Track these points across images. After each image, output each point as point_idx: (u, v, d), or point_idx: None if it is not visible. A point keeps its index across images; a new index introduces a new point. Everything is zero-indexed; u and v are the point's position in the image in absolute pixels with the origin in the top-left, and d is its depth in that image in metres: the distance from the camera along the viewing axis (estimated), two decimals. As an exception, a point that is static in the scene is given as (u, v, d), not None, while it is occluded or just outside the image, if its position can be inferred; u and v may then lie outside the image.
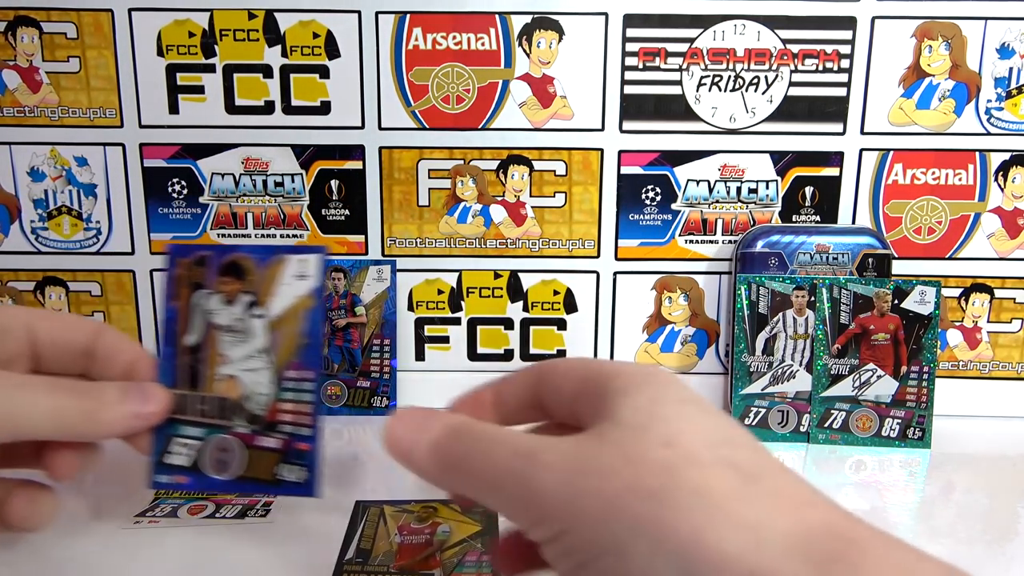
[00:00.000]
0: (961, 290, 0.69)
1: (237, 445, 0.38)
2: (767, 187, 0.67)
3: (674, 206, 0.67)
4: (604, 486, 0.24)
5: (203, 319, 0.39)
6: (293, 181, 0.67)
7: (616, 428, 0.26)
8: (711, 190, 0.67)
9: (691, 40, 0.65)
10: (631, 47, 0.65)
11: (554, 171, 0.67)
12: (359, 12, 0.64)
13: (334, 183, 0.67)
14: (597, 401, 0.28)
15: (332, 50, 0.65)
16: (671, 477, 0.23)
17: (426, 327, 0.70)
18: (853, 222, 0.68)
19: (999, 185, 0.67)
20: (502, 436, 0.28)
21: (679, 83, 0.65)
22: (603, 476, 0.24)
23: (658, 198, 0.67)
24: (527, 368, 0.33)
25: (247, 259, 0.39)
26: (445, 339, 0.70)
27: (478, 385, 0.34)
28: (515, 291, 0.69)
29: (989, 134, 0.66)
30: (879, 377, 0.62)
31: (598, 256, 0.68)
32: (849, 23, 0.64)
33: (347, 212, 0.68)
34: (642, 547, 0.22)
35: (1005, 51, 0.65)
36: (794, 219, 0.68)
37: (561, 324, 0.69)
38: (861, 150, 0.67)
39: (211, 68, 0.65)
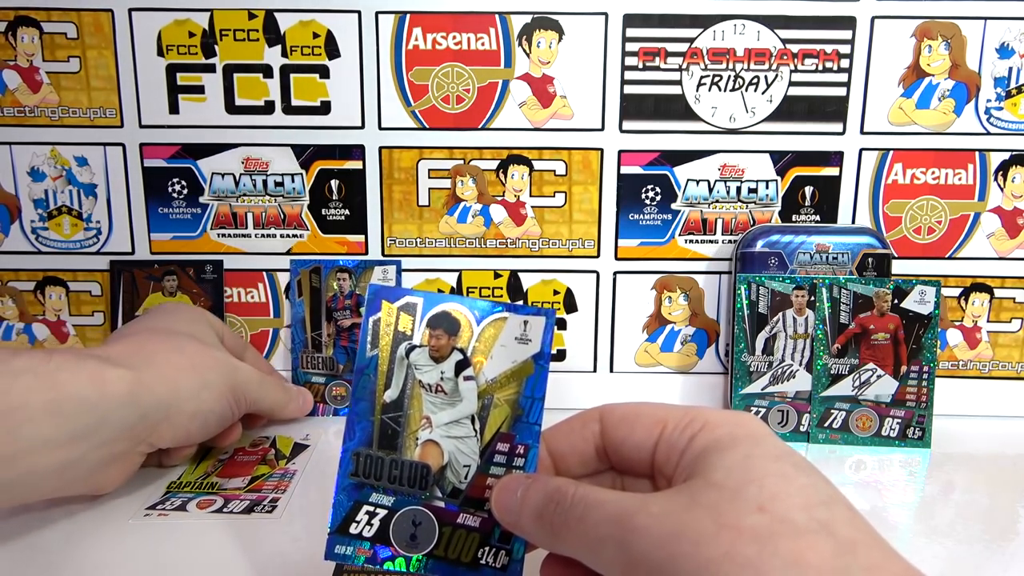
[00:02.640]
0: (961, 290, 0.69)
1: (432, 519, 0.34)
2: (767, 187, 0.67)
3: (674, 206, 0.67)
4: (699, 552, 0.24)
5: (406, 375, 0.35)
6: (293, 181, 0.67)
7: (709, 489, 0.25)
8: (711, 190, 0.67)
9: (691, 40, 0.65)
10: (631, 47, 0.65)
11: (554, 171, 0.67)
12: (359, 12, 0.64)
13: (334, 183, 0.67)
14: (685, 454, 0.28)
15: (332, 50, 0.65)
16: (766, 545, 0.23)
17: (426, 327, 0.70)
18: (853, 222, 0.68)
19: (999, 185, 0.67)
20: (597, 500, 0.28)
21: (679, 83, 0.65)
22: (698, 542, 0.24)
23: (658, 198, 0.67)
24: (582, 417, 0.33)
25: (462, 312, 0.35)
26: (445, 339, 0.70)
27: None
28: (515, 291, 0.69)
29: (989, 134, 0.66)
30: (879, 377, 0.62)
31: (598, 256, 0.68)
32: (849, 23, 0.64)
33: (347, 212, 0.68)
34: None
35: (1005, 51, 0.65)
36: (794, 219, 0.68)
37: (561, 324, 0.69)
38: (861, 150, 0.67)
39: (211, 68, 0.65)
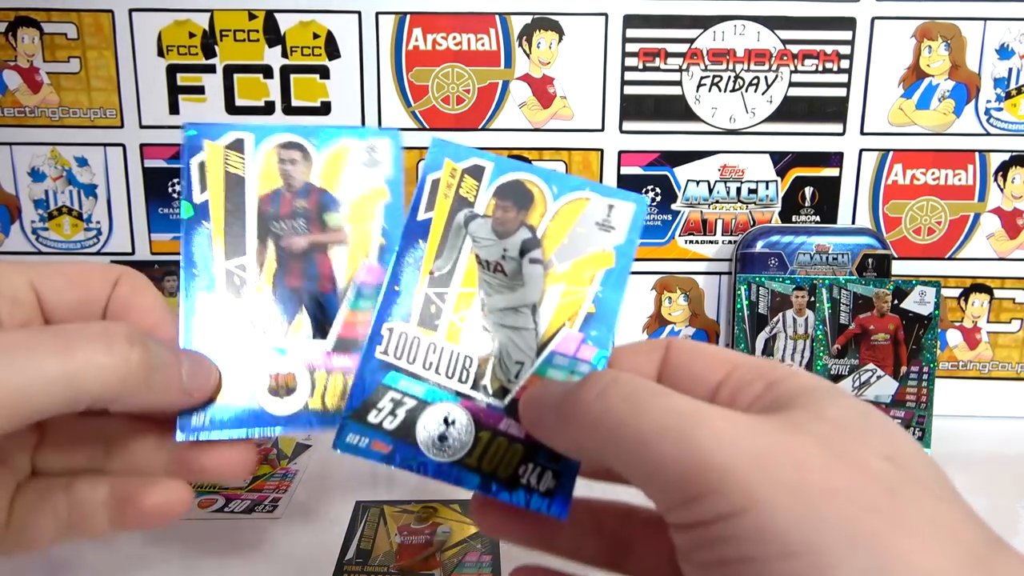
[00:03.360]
0: (961, 290, 0.69)
1: (469, 420, 0.28)
2: (767, 187, 0.67)
3: (674, 206, 0.67)
4: (804, 479, 0.20)
5: (462, 246, 0.29)
6: (293, 181, 0.67)
7: (823, 423, 0.22)
8: (711, 190, 0.67)
9: (691, 41, 0.65)
10: (631, 47, 0.65)
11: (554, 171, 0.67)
12: (359, 13, 0.64)
13: (334, 183, 0.67)
14: (763, 398, 0.24)
15: (332, 50, 0.65)
16: (900, 495, 0.20)
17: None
18: (853, 222, 0.68)
19: (999, 185, 0.67)
20: (661, 387, 0.23)
21: (679, 83, 0.65)
22: (802, 467, 0.20)
23: (658, 198, 0.67)
24: (650, 342, 0.28)
25: (537, 185, 0.29)
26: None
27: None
28: (515, 291, 0.69)
29: (989, 134, 0.66)
30: (879, 377, 0.62)
31: (598, 256, 0.68)
32: (849, 23, 0.64)
33: (347, 212, 0.68)
34: (859, 562, 0.19)
35: (1004, 51, 0.65)
36: (794, 219, 0.68)
37: (561, 324, 0.69)
38: (861, 150, 0.67)
39: (211, 68, 0.65)
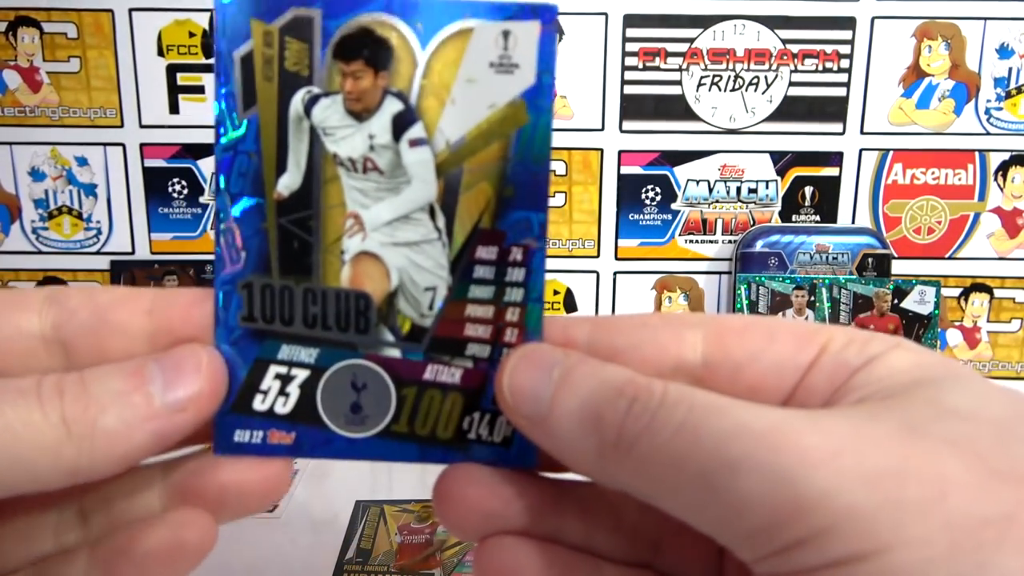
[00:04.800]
0: (961, 290, 0.69)
1: (383, 378, 0.21)
2: (767, 187, 0.67)
3: (674, 206, 0.67)
4: (954, 507, 0.15)
5: (309, 146, 0.21)
6: (293, 181, 0.67)
7: (947, 419, 0.16)
8: (711, 190, 0.67)
9: (691, 40, 0.65)
10: (631, 47, 0.65)
11: (554, 171, 0.67)
12: (359, 12, 0.64)
13: (334, 183, 0.67)
14: (858, 375, 0.18)
15: (332, 50, 0.65)
16: None
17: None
18: (853, 222, 0.68)
19: (999, 185, 0.67)
20: (716, 404, 0.17)
21: (679, 83, 0.65)
22: (949, 492, 0.15)
23: (658, 198, 0.67)
24: (664, 317, 0.21)
25: (394, 27, 0.20)
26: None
27: (566, 317, 0.22)
28: (515, 291, 0.69)
29: (989, 134, 0.66)
30: (879, 377, 0.62)
31: (598, 256, 0.68)
32: (849, 23, 0.64)
33: (347, 212, 0.68)
34: None
35: (1004, 51, 0.65)
36: (794, 219, 0.68)
37: (561, 324, 0.69)
38: (861, 150, 0.67)
39: (211, 68, 0.65)
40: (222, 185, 0.21)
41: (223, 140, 0.20)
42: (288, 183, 0.21)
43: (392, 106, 0.20)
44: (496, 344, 0.21)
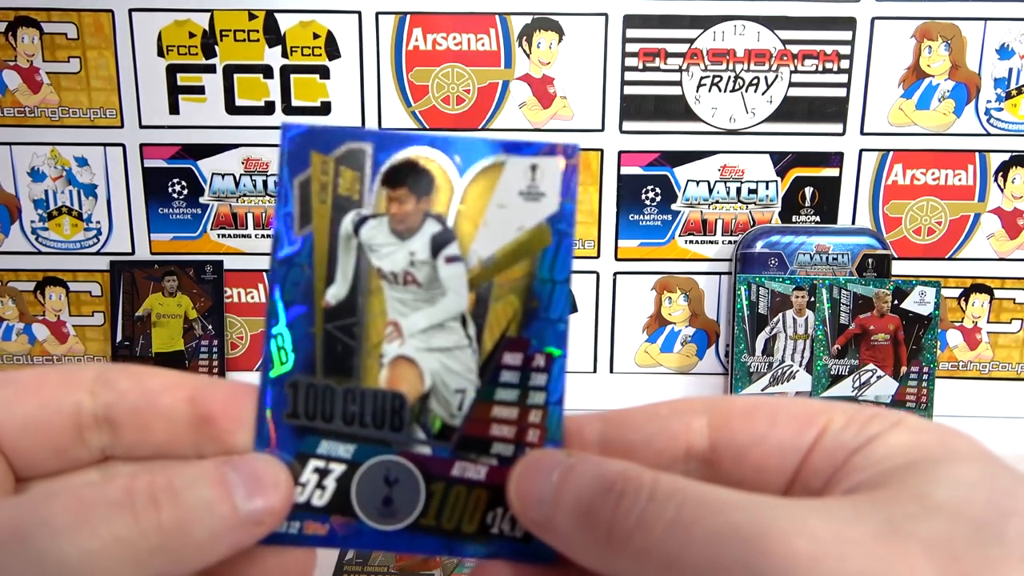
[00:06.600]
0: (961, 290, 0.69)
1: (414, 474, 0.23)
2: (767, 187, 0.67)
3: (674, 206, 0.67)
4: None
5: (356, 261, 0.23)
6: (293, 181, 0.67)
7: (932, 516, 0.16)
8: (711, 190, 0.67)
9: (691, 41, 0.65)
10: (631, 48, 0.65)
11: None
12: (359, 13, 0.64)
13: (334, 183, 0.67)
14: (856, 457, 0.19)
15: (332, 51, 0.65)
16: None
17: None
18: (853, 222, 0.68)
19: (999, 185, 0.67)
20: (705, 497, 0.18)
21: (679, 83, 0.65)
22: None
23: (658, 198, 0.67)
24: (670, 405, 0.23)
25: (435, 160, 0.23)
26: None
27: (580, 417, 0.23)
28: (515, 291, 0.69)
29: (989, 135, 0.66)
30: (879, 377, 0.62)
31: (598, 256, 0.68)
32: (849, 24, 0.64)
33: (347, 212, 0.68)
34: None
35: (1005, 52, 0.65)
36: (794, 219, 0.68)
37: (561, 324, 0.69)
38: (861, 150, 0.67)
39: (211, 68, 0.65)
40: (276, 295, 0.23)
41: (279, 255, 0.23)
42: (336, 293, 0.23)
43: (431, 227, 0.23)
44: (519, 444, 0.23)
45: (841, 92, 0.66)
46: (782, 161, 0.67)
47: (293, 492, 0.22)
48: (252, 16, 0.64)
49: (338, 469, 0.23)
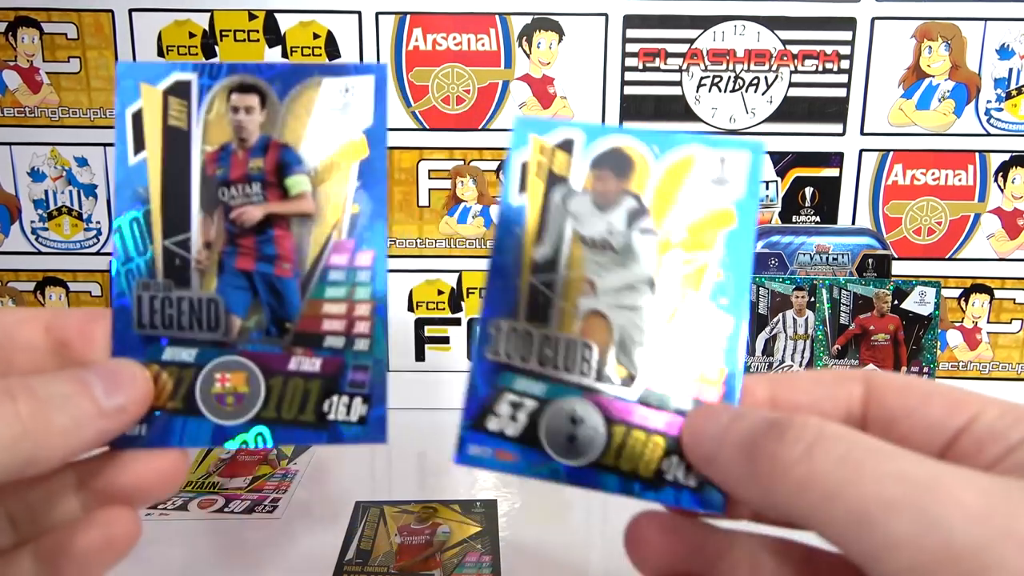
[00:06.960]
0: (961, 291, 0.69)
1: (598, 416, 0.25)
2: (767, 187, 0.67)
3: (674, 207, 0.67)
4: None
5: (562, 227, 0.27)
6: (293, 181, 0.67)
7: None
8: (711, 191, 0.67)
9: (691, 41, 0.65)
10: (631, 48, 0.65)
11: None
12: (359, 13, 0.64)
13: (334, 183, 0.67)
14: (1018, 450, 0.20)
15: (332, 51, 0.65)
16: None
17: (426, 328, 0.70)
18: (853, 223, 0.68)
19: (999, 186, 0.67)
20: (877, 445, 0.19)
21: (679, 84, 0.65)
22: None
23: (658, 199, 0.67)
24: (833, 373, 0.25)
25: (635, 148, 0.27)
26: (445, 339, 0.70)
27: (748, 377, 0.25)
28: (515, 291, 0.69)
29: (989, 135, 0.66)
30: (879, 377, 0.62)
31: (598, 256, 0.68)
32: (849, 24, 0.64)
33: (347, 212, 0.68)
34: None
35: (1005, 52, 0.65)
36: (794, 219, 0.68)
37: (561, 324, 0.69)
38: (861, 151, 0.67)
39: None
40: (498, 250, 0.27)
41: (504, 217, 0.27)
42: (542, 253, 0.27)
43: (628, 203, 0.27)
44: (699, 400, 0.25)
45: (841, 92, 0.66)
46: (782, 161, 0.67)
47: (150, 384, 0.24)
48: (252, 16, 0.64)
49: (530, 404, 0.25)
